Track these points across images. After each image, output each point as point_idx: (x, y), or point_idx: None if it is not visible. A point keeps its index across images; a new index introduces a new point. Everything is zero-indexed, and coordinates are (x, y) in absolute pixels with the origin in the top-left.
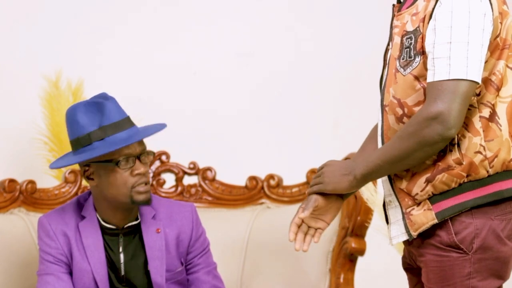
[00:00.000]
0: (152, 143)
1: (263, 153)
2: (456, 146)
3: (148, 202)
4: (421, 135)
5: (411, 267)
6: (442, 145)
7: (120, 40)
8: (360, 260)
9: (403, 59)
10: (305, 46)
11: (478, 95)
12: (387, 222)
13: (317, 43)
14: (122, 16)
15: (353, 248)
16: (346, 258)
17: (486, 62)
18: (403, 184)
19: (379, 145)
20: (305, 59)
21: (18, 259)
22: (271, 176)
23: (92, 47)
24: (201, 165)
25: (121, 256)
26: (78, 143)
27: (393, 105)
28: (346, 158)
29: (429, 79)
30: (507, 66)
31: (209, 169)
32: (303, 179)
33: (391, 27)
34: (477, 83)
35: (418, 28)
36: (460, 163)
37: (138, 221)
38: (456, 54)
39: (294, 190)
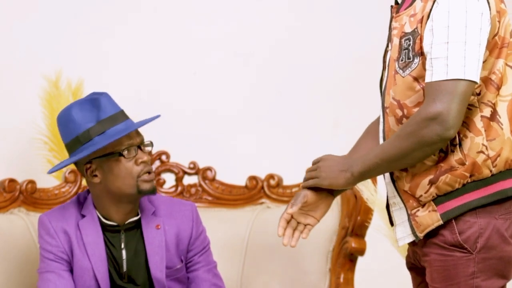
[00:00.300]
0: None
1: (263, 153)
2: (458, 146)
3: (154, 191)
4: (420, 135)
5: (415, 266)
6: (441, 145)
7: (120, 40)
8: (360, 260)
9: (402, 60)
10: (305, 46)
11: (479, 94)
12: (392, 223)
13: (317, 43)
14: (122, 16)
15: (353, 248)
16: (346, 258)
17: (485, 61)
18: (406, 186)
19: None
20: (305, 59)
21: (18, 259)
22: (271, 176)
23: (92, 47)
24: (201, 165)
25: (123, 252)
26: (78, 141)
27: (393, 107)
28: None
29: (427, 79)
30: (506, 64)
31: (209, 169)
32: (303, 179)
33: (390, 29)
34: (475, 82)
35: (416, 29)
36: (463, 164)
37: (139, 216)
38: (453, 54)
39: (294, 190)
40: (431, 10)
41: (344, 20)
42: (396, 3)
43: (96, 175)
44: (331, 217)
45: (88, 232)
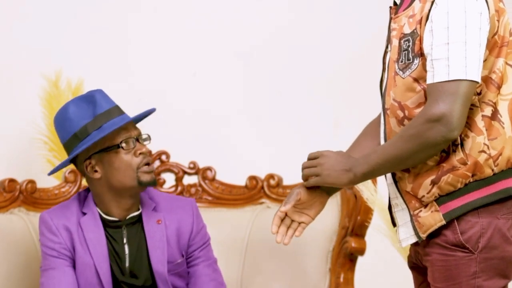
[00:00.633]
0: (152, 143)
1: (263, 153)
2: (459, 146)
3: (154, 182)
4: (424, 137)
5: (416, 266)
6: (444, 146)
7: (120, 40)
8: (360, 260)
9: (401, 61)
10: (305, 46)
11: (479, 94)
12: (394, 224)
13: (317, 43)
14: (122, 16)
15: (353, 248)
16: (346, 257)
17: (485, 60)
18: (408, 187)
19: None
20: (305, 59)
21: (18, 259)
22: (271, 176)
23: (92, 47)
24: (201, 165)
25: (126, 247)
26: (76, 138)
27: (394, 108)
28: None
29: (429, 80)
30: (506, 63)
31: (209, 168)
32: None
33: (389, 30)
34: (477, 82)
35: (415, 30)
36: (464, 163)
37: (140, 211)
38: (454, 54)
39: None
40: (430, 11)
41: (344, 20)
42: (395, 4)
43: (96, 171)
44: (331, 217)
45: (90, 229)
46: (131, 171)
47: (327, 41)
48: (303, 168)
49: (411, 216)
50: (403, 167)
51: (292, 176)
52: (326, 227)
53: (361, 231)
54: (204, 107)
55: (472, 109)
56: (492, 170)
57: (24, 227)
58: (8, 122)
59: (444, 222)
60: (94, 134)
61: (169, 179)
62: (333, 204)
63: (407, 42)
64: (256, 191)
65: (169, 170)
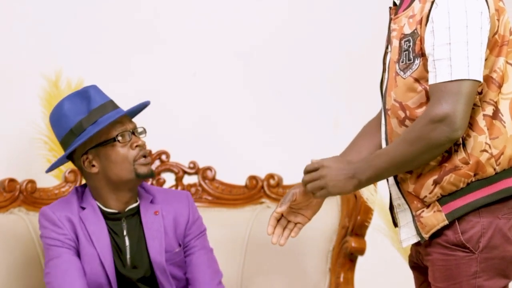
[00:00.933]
0: (152, 143)
1: (263, 153)
2: (461, 146)
3: (152, 174)
4: (428, 138)
5: (417, 265)
6: (448, 146)
7: (120, 40)
8: (360, 260)
9: (402, 62)
10: (305, 46)
11: (480, 93)
12: (395, 225)
13: (317, 42)
14: (122, 16)
15: (353, 248)
16: (346, 257)
17: (486, 60)
18: (411, 187)
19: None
20: (305, 59)
21: (18, 259)
22: (271, 176)
23: (92, 47)
24: (201, 165)
25: (126, 239)
26: (72, 134)
27: (395, 109)
28: None
29: (431, 81)
30: (507, 62)
31: (209, 168)
32: (302, 182)
33: (389, 31)
34: (479, 82)
35: (415, 31)
36: (466, 163)
37: (138, 203)
38: (456, 54)
39: None
40: (430, 11)
41: (345, 20)
42: (394, 4)
43: (94, 165)
44: (331, 217)
45: (91, 221)
46: (128, 164)
47: (327, 41)
48: (306, 182)
49: (413, 216)
50: (408, 170)
51: (292, 176)
52: (326, 226)
53: (361, 231)
54: (204, 107)
55: (473, 108)
56: (494, 169)
57: (24, 227)
58: (8, 122)
59: (446, 222)
60: (89, 129)
61: (169, 179)
62: (333, 204)
63: (407, 42)
64: (256, 191)
65: (169, 170)
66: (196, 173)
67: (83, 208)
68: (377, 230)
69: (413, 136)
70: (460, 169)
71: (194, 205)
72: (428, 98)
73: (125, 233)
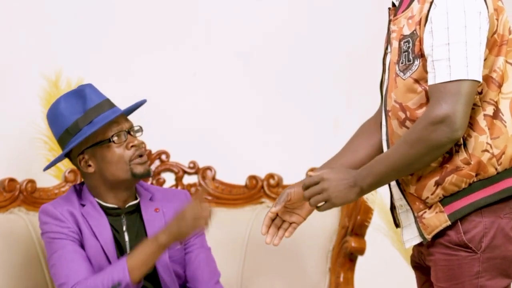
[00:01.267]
0: (152, 143)
1: (263, 152)
2: (462, 146)
3: (148, 173)
4: (429, 139)
5: (419, 265)
6: (449, 147)
7: (120, 40)
8: (360, 260)
9: (402, 63)
10: (305, 46)
11: (481, 93)
12: (397, 225)
13: (317, 42)
14: (122, 16)
15: (353, 248)
16: (346, 257)
17: (485, 59)
18: (412, 189)
19: (385, 150)
20: (304, 59)
21: (18, 259)
22: (271, 176)
23: (92, 47)
24: (201, 165)
25: (126, 235)
26: (68, 134)
27: (396, 110)
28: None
29: (430, 81)
30: (506, 62)
31: (209, 168)
32: (303, 178)
33: (388, 32)
34: (479, 81)
35: (415, 32)
36: (468, 163)
37: (138, 200)
38: (455, 54)
39: None
40: (428, 11)
41: (345, 20)
42: (393, 5)
43: (90, 165)
44: (331, 217)
45: (93, 216)
46: (124, 164)
47: (327, 41)
48: (308, 197)
49: (415, 217)
50: (410, 172)
51: (292, 176)
52: (326, 226)
53: (361, 230)
54: (204, 107)
55: (473, 108)
56: (496, 169)
57: (24, 227)
58: (8, 122)
59: (449, 222)
60: (85, 130)
61: (169, 178)
62: None
63: (407, 43)
64: (256, 190)
65: (169, 170)
66: (196, 173)
67: (83, 205)
68: (377, 230)
69: (413, 138)
70: (461, 169)
71: None
72: (428, 98)
73: (124, 229)
